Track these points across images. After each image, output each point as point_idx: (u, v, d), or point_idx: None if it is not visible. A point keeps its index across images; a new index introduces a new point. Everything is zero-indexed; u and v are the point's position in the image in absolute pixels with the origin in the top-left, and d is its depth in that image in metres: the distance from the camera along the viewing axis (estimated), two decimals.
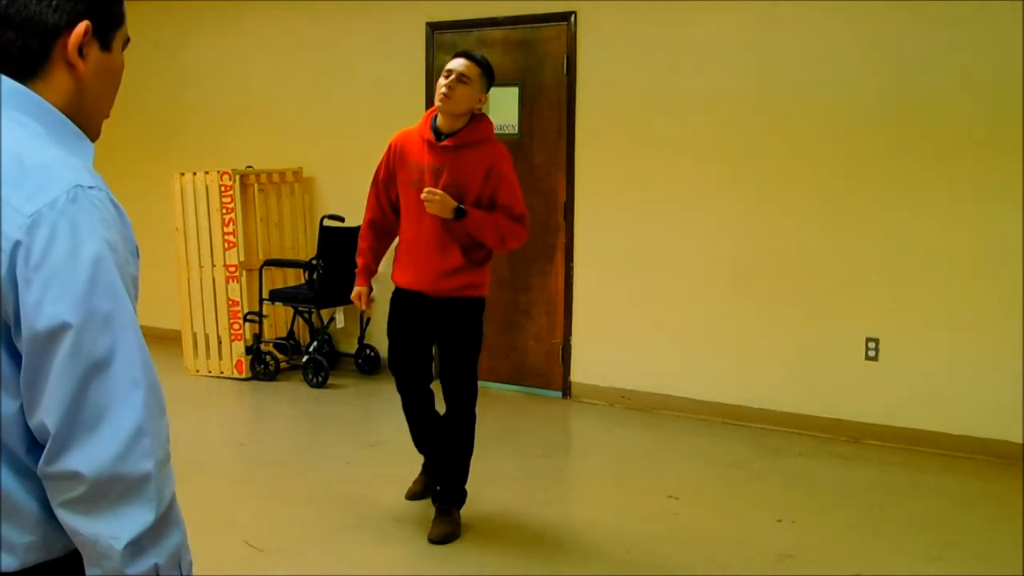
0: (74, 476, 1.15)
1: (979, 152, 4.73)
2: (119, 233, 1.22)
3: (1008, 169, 4.65)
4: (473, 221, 3.61)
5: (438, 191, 3.58)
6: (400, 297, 3.88)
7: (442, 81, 3.63)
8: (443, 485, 3.91)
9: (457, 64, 3.64)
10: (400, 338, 3.92)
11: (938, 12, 4.75)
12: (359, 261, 3.97)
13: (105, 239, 1.18)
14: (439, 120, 3.70)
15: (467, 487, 3.96)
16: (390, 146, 3.84)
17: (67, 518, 1.17)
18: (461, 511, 3.95)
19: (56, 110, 1.26)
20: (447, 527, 3.83)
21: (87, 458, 1.15)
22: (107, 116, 1.37)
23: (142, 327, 1.20)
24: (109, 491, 1.16)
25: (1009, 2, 4.57)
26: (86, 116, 1.31)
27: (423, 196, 3.58)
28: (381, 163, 3.86)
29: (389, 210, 3.89)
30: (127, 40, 1.36)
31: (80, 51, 1.26)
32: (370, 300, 3.95)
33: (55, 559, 1.23)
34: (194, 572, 1.27)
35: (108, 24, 1.31)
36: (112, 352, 1.17)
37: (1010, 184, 4.65)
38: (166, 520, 1.21)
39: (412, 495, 4.16)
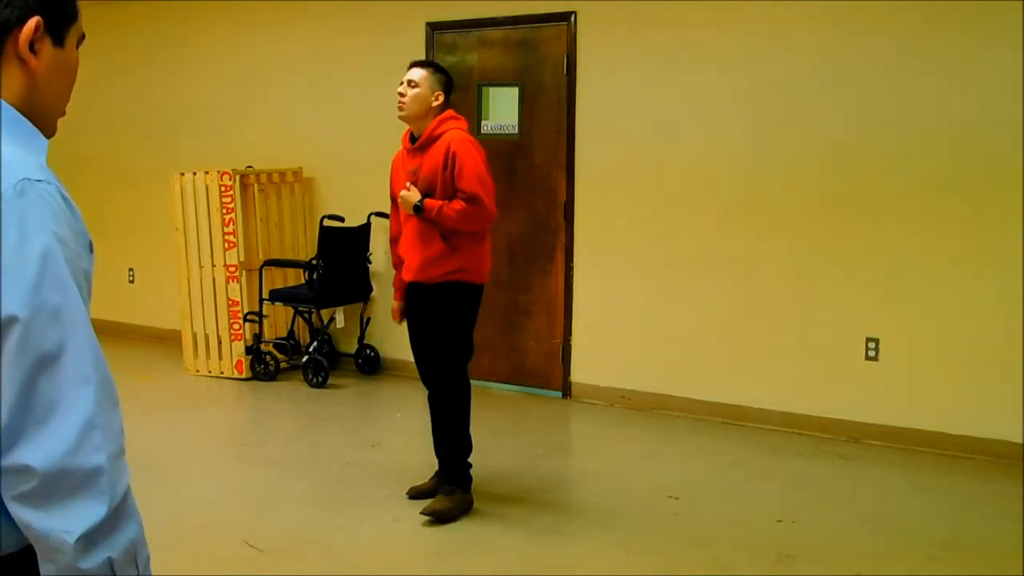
0: (25, 470, 1.15)
1: (979, 153, 4.72)
2: (69, 227, 1.22)
3: (1008, 169, 4.65)
4: (429, 213, 3.86)
5: (403, 192, 3.93)
6: (408, 292, 4.11)
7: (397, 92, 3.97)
8: (443, 467, 4.11)
9: (406, 75, 3.97)
10: (412, 330, 4.15)
11: (942, 15, 4.75)
12: (396, 278, 4.23)
13: (54, 233, 1.18)
14: (412, 127, 4.03)
15: (470, 480, 4.11)
16: (391, 167, 4.19)
17: (19, 512, 1.17)
18: (467, 505, 4.07)
19: (8, 105, 1.26)
20: (439, 503, 3.97)
21: (38, 452, 1.14)
22: (63, 113, 1.37)
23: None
24: (60, 485, 1.15)
25: (1009, 2, 4.57)
26: (40, 112, 1.31)
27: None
28: (389, 186, 4.22)
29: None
30: (82, 37, 1.36)
31: (32, 47, 1.26)
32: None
33: (8, 555, 1.23)
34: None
35: (60, 20, 1.30)
36: (62, 346, 1.16)
37: (1010, 183, 4.65)
38: (120, 514, 1.19)
39: (416, 493, 4.21)
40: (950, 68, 4.75)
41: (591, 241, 5.81)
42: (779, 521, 4.02)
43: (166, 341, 7.28)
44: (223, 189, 6.27)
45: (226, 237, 6.32)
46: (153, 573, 1.26)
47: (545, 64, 5.87)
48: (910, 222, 4.91)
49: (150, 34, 7.45)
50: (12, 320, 1.14)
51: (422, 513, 3.93)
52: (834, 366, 5.14)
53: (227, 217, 6.29)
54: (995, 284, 4.73)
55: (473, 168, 3.85)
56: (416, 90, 3.91)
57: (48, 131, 1.33)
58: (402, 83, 3.94)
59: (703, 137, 5.41)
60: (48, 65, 1.29)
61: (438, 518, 3.93)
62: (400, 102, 3.92)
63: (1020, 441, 4.68)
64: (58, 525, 1.15)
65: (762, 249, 5.29)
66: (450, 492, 4.02)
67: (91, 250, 1.28)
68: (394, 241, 4.19)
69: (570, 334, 5.93)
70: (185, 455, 4.90)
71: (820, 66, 5.06)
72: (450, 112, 3.99)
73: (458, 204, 3.84)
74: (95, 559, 1.17)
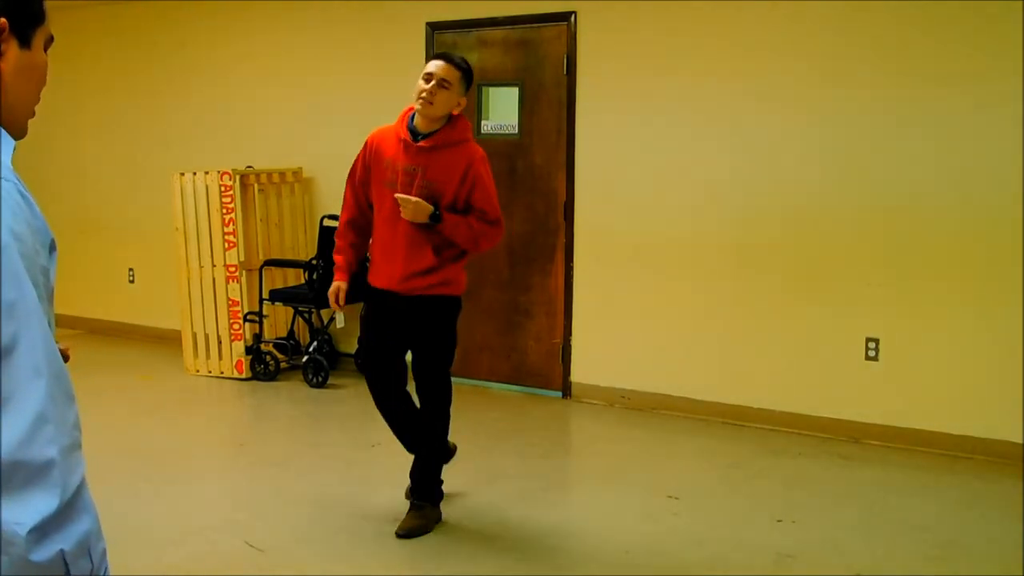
0: None
1: (980, 151, 4.73)
2: (27, 224, 1.22)
3: (1007, 169, 4.65)
4: (448, 226, 3.61)
5: (412, 197, 3.59)
6: (375, 297, 3.85)
7: (422, 84, 3.59)
8: (416, 481, 3.94)
9: (436, 68, 3.61)
10: (374, 338, 3.87)
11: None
12: (337, 259, 3.92)
13: (10, 229, 1.18)
14: (416, 120, 3.68)
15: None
16: (367, 144, 3.81)
17: None
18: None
19: None
20: (414, 521, 3.85)
21: None
22: (32, 114, 1.37)
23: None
24: (12, 477, 1.16)
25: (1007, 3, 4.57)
26: (6, 113, 1.31)
27: (399, 201, 3.60)
28: (357, 161, 3.84)
29: (367, 209, 3.86)
30: (50, 38, 1.37)
31: None
32: (346, 297, 3.87)
33: None
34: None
35: (26, 22, 1.31)
36: (15, 340, 1.17)
37: (1010, 184, 4.65)
38: (72, 507, 1.20)
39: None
40: (950, 83, 4.75)
41: (591, 241, 5.81)
42: (779, 521, 4.02)
43: (166, 341, 7.28)
44: (223, 189, 6.27)
45: (226, 237, 6.32)
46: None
47: (545, 64, 5.87)
48: (910, 222, 4.91)
49: (150, 35, 7.45)
50: None
51: (396, 533, 3.81)
52: (834, 366, 5.14)
53: (227, 217, 6.29)
54: (995, 283, 4.73)
55: (494, 191, 3.71)
56: (447, 92, 3.58)
57: (16, 132, 1.34)
58: (430, 78, 3.57)
59: (704, 136, 5.41)
60: (14, 66, 1.30)
61: (413, 535, 3.81)
62: (426, 99, 3.56)
63: (1020, 441, 4.69)
64: (10, 517, 1.16)
65: (762, 249, 5.29)
66: (421, 507, 3.88)
67: (53, 248, 1.29)
68: (351, 224, 3.88)
69: (570, 334, 5.93)
70: (185, 455, 4.90)
71: (820, 64, 5.06)
72: (463, 117, 3.72)
73: (477, 223, 3.65)
74: (47, 551, 1.18)
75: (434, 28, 6.22)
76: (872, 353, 5.04)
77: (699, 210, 5.45)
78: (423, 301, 3.72)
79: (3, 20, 1.27)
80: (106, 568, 1.26)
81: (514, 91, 5.98)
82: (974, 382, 4.80)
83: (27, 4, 1.31)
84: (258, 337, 6.41)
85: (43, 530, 1.17)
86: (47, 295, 1.25)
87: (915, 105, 4.84)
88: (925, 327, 4.91)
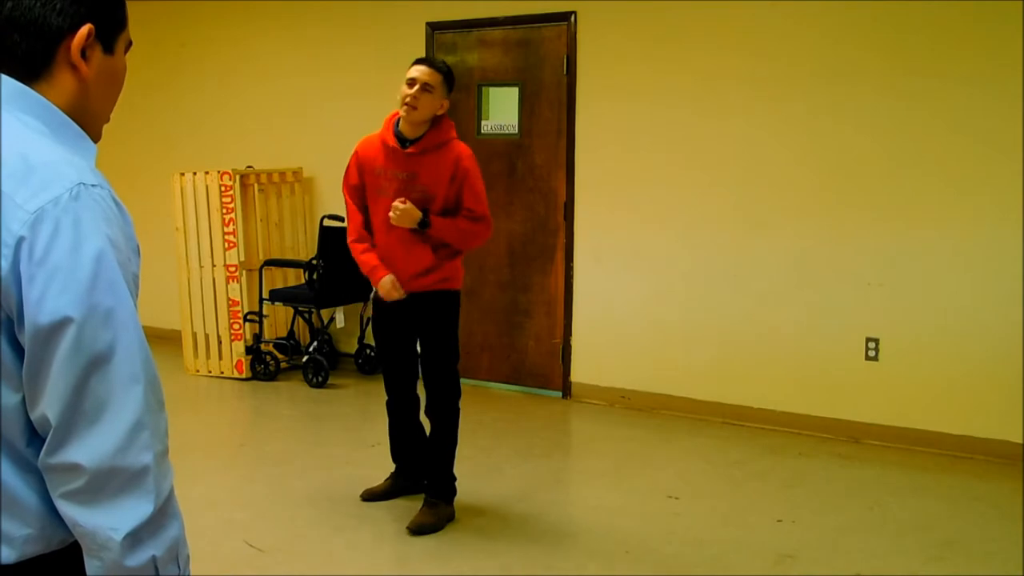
0: (74, 468, 1.17)
1: (979, 151, 4.73)
2: (121, 231, 1.24)
3: (1008, 170, 4.65)
4: (436, 230, 3.72)
5: (399, 206, 3.65)
6: (382, 302, 3.95)
7: (405, 90, 3.66)
8: (429, 479, 4.00)
9: (419, 72, 3.67)
10: (385, 339, 4.06)
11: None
12: (371, 258, 3.85)
13: (107, 236, 1.20)
14: (402, 125, 3.74)
15: (457, 483, 4.05)
16: (356, 154, 3.87)
17: (67, 510, 1.19)
18: (456, 509, 4.02)
19: (59, 110, 1.28)
20: (425, 518, 3.89)
21: (87, 450, 1.17)
22: (108, 119, 1.40)
23: (142, 326, 1.22)
24: (108, 483, 1.18)
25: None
26: (89, 117, 1.33)
27: (390, 211, 3.68)
28: (351, 174, 3.88)
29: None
30: (129, 43, 1.39)
31: (83, 53, 1.29)
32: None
33: (53, 552, 1.25)
34: (194, 572, 1.28)
35: (111, 28, 1.33)
36: (113, 347, 1.19)
37: (1010, 184, 4.65)
38: (164, 512, 1.23)
39: (370, 495, 4.20)
40: (952, 52, 4.75)
41: (591, 241, 5.81)
42: (779, 521, 4.02)
43: (166, 341, 7.27)
44: (223, 189, 6.27)
45: (226, 237, 6.32)
46: None
47: (545, 64, 5.87)
48: (911, 222, 4.91)
49: (150, 35, 7.45)
50: (66, 321, 1.16)
51: (407, 528, 3.85)
52: (834, 366, 5.14)
53: (227, 217, 6.29)
54: (995, 284, 4.73)
55: (482, 188, 3.77)
56: (430, 95, 3.64)
57: (95, 137, 1.36)
58: (413, 83, 3.64)
59: (703, 137, 5.41)
60: (98, 72, 1.32)
61: (423, 532, 3.85)
62: (411, 103, 3.62)
63: (1020, 441, 4.68)
64: (105, 523, 1.18)
65: (762, 249, 5.29)
66: (434, 504, 3.94)
67: (139, 253, 1.31)
68: (361, 236, 3.87)
69: (570, 334, 5.93)
70: (185, 455, 4.89)
71: (821, 65, 5.05)
72: (446, 118, 3.77)
73: (464, 223, 3.73)
74: (140, 557, 1.20)
75: (434, 28, 6.22)
76: (872, 353, 5.04)
77: (699, 209, 5.45)
78: (429, 298, 3.84)
79: (90, 26, 1.28)
80: (188, 574, 1.28)
81: (514, 91, 5.98)
82: (974, 382, 4.80)
83: (113, 10, 1.33)
84: (258, 337, 6.41)
85: (137, 536, 1.19)
86: (135, 299, 1.26)
87: (919, 99, 4.84)
88: (925, 327, 4.91)
